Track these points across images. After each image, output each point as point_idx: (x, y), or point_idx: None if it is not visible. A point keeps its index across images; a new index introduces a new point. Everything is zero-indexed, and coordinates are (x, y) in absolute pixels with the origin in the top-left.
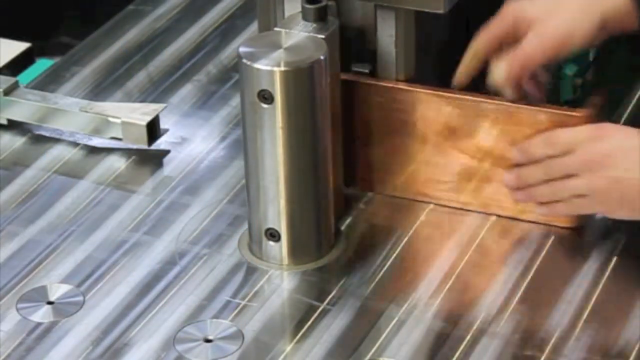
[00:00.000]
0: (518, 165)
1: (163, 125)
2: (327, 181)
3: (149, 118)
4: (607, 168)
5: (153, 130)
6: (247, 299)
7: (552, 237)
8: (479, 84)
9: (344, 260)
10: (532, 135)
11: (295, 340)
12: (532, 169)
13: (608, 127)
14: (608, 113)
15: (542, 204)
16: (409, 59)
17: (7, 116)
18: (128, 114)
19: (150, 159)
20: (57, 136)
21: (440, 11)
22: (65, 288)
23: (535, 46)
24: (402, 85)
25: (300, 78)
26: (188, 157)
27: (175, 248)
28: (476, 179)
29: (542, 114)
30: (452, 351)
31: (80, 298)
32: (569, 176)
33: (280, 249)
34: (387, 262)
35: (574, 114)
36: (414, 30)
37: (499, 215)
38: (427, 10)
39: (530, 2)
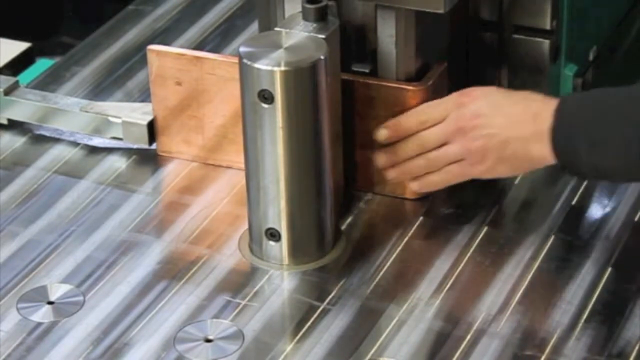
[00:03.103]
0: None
1: None
2: (327, 181)
3: (149, 118)
4: (479, 128)
5: (153, 129)
6: (247, 299)
7: (551, 238)
8: None
9: (344, 260)
10: (368, 111)
11: (295, 340)
12: (405, 143)
13: (471, 91)
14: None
15: (415, 178)
16: (409, 59)
17: (7, 116)
18: (128, 114)
19: (150, 159)
20: (57, 136)
21: (441, 11)
22: (65, 288)
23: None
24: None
25: (301, 78)
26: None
27: (175, 248)
28: None
29: (378, 89)
30: (452, 351)
31: (80, 298)
32: (442, 145)
33: (281, 249)
34: (387, 262)
35: (410, 87)
36: (414, 30)
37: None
38: (427, 10)
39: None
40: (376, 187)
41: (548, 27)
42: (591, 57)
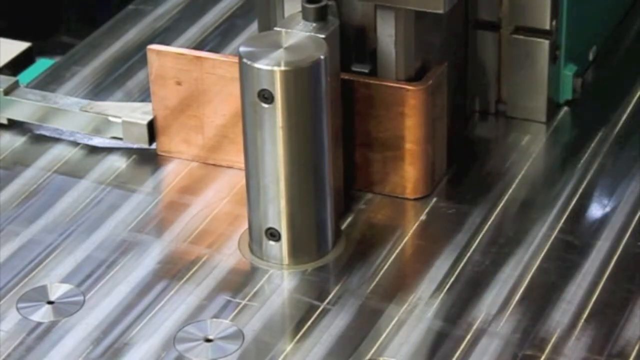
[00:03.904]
0: None
1: None
2: (327, 181)
3: (149, 117)
4: None
5: (153, 129)
6: (247, 299)
7: (551, 238)
8: None
9: (344, 260)
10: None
11: (295, 340)
12: None
13: None
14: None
15: None
16: (409, 59)
17: (7, 116)
18: (128, 114)
19: (150, 159)
20: (57, 136)
21: (440, 11)
22: (65, 288)
23: None
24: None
25: (301, 78)
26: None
27: (175, 248)
28: None
29: (378, 89)
30: (452, 351)
31: (80, 298)
32: None
33: (281, 249)
34: (387, 262)
35: (410, 87)
36: (413, 30)
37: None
38: (426, 10)
39: None
40: (376, 187)
41: (547, 27)
42: (591, 57)
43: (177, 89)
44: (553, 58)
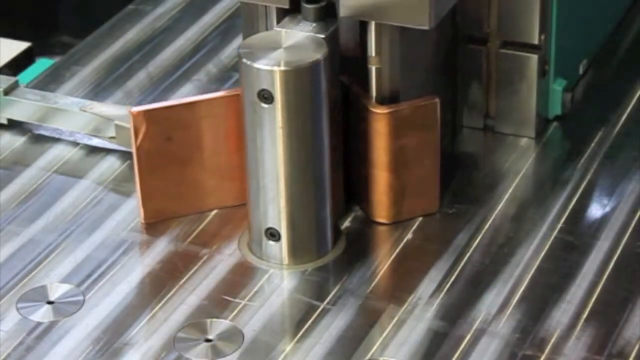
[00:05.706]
0: None
1: None
2: (327, 181)
3: None
4: None
5: None
6: (247, 299)
7: (551, 238)
8: None
9: (344, 260)
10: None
11: (295, 340)
12: None
13: None
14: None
15: None
16: (394, 74)
17: (7, 116)
18: (124, 116)
19: None
20: (57, 136)
21: (426, 27)
22: (65, 288)
23: None
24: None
25: (300, 78)
26: None
27: (175, 248)
28: None
29: (356, 103)
30: (452, 351)
31: (80, 298)
32: None
33: (281, 249)
34: (387, 261)
35: (374, 110)
36: (399, 45)
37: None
38: (412, 26)
39: None
40: (356, 199)
41: (536, 41)
42: (581, 71)
43: (165, 146)
44: (542, 73)
